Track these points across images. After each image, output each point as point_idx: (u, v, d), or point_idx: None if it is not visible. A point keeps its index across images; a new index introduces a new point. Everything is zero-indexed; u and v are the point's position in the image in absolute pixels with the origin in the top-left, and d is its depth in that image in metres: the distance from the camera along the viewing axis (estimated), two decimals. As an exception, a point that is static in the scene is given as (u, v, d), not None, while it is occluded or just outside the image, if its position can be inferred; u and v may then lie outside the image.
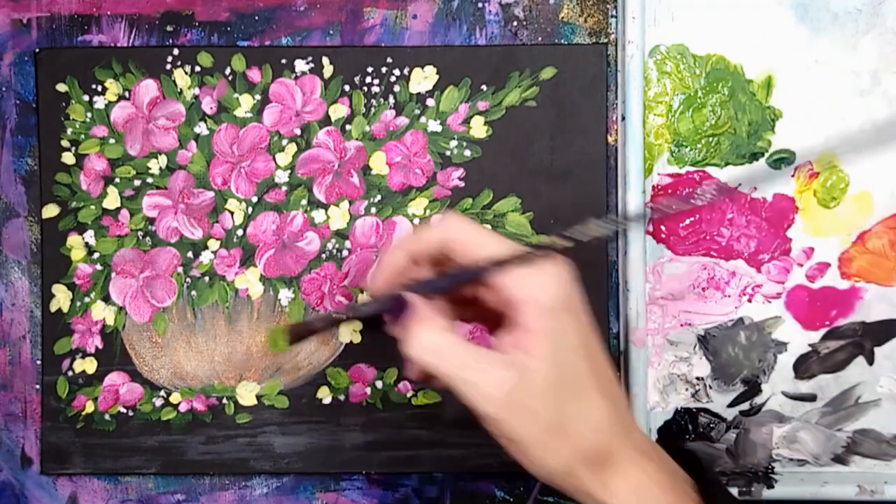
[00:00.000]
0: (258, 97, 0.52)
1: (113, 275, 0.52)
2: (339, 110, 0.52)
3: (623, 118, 0.51)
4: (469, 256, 0.37)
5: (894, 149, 0.51)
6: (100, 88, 0.52)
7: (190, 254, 0.52)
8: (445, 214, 0.39)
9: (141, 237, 0.52)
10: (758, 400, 0.52)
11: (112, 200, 0.52)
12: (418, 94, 0.52)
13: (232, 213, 0.52)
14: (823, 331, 0.52)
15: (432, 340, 0.36)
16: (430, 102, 0.52)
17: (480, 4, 0.52)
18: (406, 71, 0.52)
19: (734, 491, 0.51)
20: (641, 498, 0.36)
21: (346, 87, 0.52)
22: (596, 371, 0.36)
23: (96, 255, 0.52)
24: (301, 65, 0.52)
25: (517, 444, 0.36)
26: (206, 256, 0.52)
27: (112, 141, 0.52)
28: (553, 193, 0.52)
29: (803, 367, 0.52)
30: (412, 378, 0.40)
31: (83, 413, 0.52)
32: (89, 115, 0.52)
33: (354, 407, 0.52)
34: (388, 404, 0.52)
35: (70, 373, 0.52)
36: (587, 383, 0.36)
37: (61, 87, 0.52)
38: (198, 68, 0.52)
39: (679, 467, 0.38)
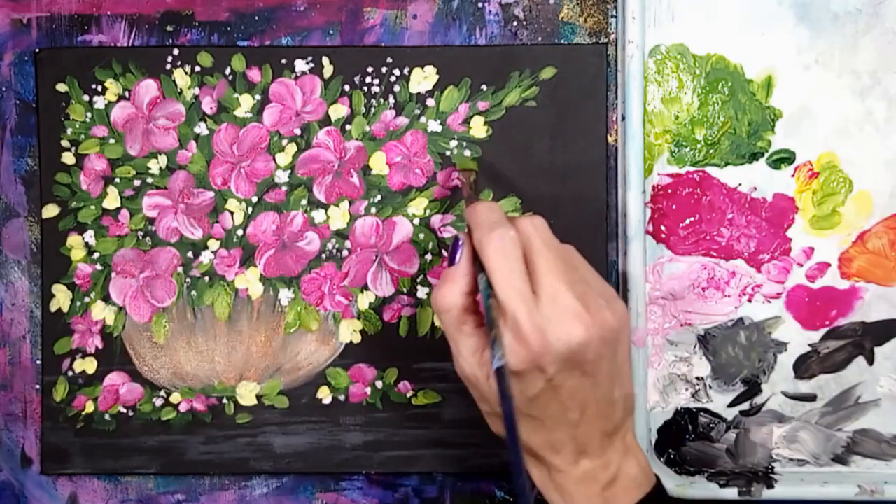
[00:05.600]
0: (258, 97, 0.52)
1: (113, 275, 0.52)
2: (339, 110, 0.52)
3: (623, 118, 0.51)
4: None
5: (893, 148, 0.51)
6: (100, 88, 0.52)
7: (190, 254, 0.52)
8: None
9: (141, 237, 0.52)
10: (758, 400, 0.52)
11: (112, 200, 0.52)
12: (418, 94, 0.52)
13: (232, 213, 0.52)
14: (823, 331, 0.52)
15: (437, 298, 0.40)
16: (430, 102, 0.52)
17: (480, 4, 0.52)
18: (406, 71, 0.52)
19: (734, 491, 0.51)
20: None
21: (346, 87, 0.52)
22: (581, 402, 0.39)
23: (96, 255, 0.52)
24: (301, 65, 0.52)
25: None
26: (206, 256, 0.52)
27: (112, 141, 0.52)
28: (553, 193, 0.52)
29: (803, 367, 0.52)
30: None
31: (83, 413, 0.52)
32: (89, 115, 0.52)
33: (354, 407, 0.52)
34: (388, 404, 0.52)
35: (70, 373, 0.52)
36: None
37: (61, 87, 0.52)
38: (198, 68, 0.52)
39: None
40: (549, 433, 0.39)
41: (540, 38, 0.52)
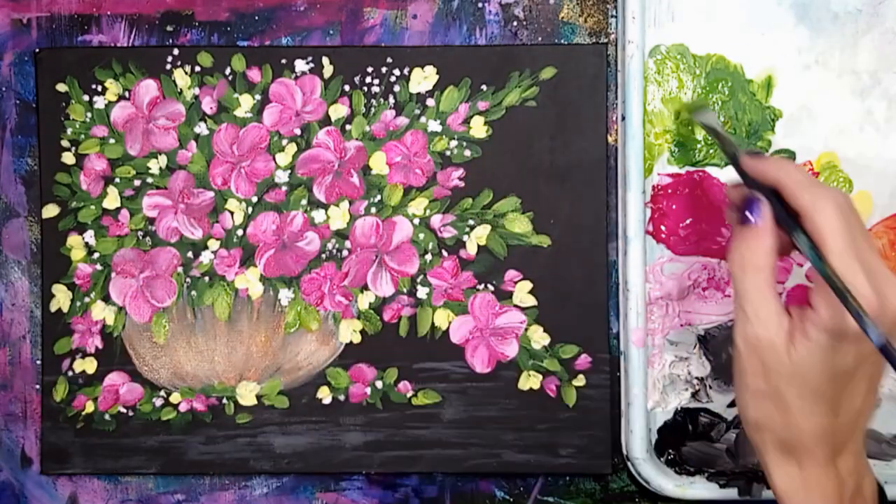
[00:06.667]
0: (258, 97, 0.52)
1: (113, 275, 0.52)
2: (339, 110, 0.52)
3: (623, 118, 0.51)
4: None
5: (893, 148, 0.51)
6: (100, 88, 0.52)
7: (190, 254, 0.52)
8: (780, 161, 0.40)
9: (141, 237, 0.52)
10: (758, 400, 0.52)
11: (112, 200, 0.52)
12: (418, 94, 0.52)
13: (232, 213, 0.52)
14: (823, 331, 0.52)
15: (746, 256, 0.38)
16: (430, 102, 0.52)
17: (480, 4, 0.52)
18: (406, 71, 0.52)
19: (734, 491, 0.51)
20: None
21: (346, 87, 0.52)
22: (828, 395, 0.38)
23: (96, 255, 0.52)
24: (301, 65, 0.52)
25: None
26: (206, 256, 0.52)
27: (112, 141, 0.52)
28: (553, 193, 0.52)
29: (803, 367, 0.52)
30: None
31: (83, 413, 0.52)
32: (89, 115, 0.52)
33: (354, 407, 0.52)
34: (388, 404, 0.52)
35: (70, 373, 0.52)
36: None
37: (61, 87, 0.52)
38: (198, 68, 0.52)
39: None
40: (834, 419, 0.38)
41: (540, 38, 0.52)
